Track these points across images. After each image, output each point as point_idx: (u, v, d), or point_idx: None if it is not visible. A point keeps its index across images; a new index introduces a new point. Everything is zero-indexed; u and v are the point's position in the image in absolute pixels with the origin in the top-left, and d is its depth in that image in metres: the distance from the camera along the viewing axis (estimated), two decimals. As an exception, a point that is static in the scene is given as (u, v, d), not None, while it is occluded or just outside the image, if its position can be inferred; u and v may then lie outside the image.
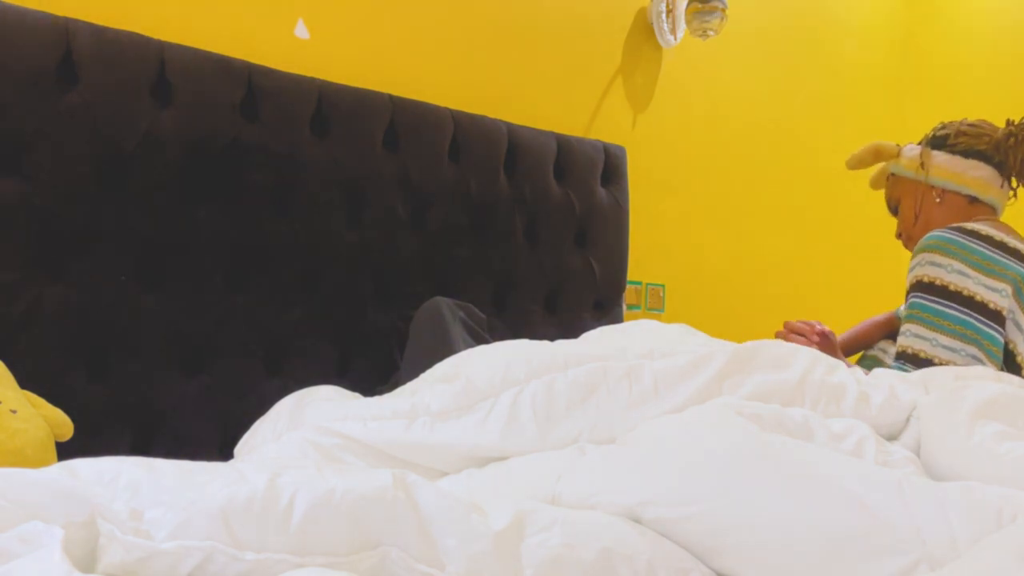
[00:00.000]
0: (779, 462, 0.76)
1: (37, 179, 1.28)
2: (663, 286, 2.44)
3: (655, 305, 2.42)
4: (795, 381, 1.04)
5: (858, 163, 1.81)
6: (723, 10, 2.27)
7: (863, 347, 1.86)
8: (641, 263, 2.28)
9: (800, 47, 2.89)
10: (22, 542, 0.52)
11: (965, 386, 1.06)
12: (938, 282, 1.46)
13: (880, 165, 1.81)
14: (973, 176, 1.62)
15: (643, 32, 2.37)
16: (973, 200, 1.63)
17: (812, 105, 2.93)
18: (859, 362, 1.77)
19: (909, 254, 1.71)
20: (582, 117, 2.24)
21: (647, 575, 0.67)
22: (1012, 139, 1.59)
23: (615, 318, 2.10)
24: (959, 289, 1.44)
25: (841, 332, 1.93)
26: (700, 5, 2.27)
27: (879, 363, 1.75)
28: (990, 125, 1.65)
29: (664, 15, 2.32)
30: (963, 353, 1.41)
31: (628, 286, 2.21)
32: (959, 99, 3.08)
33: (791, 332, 1.74)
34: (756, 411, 0.92)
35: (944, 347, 1.42)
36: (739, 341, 1.13)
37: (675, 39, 2.38)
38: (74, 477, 0.60)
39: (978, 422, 0.94)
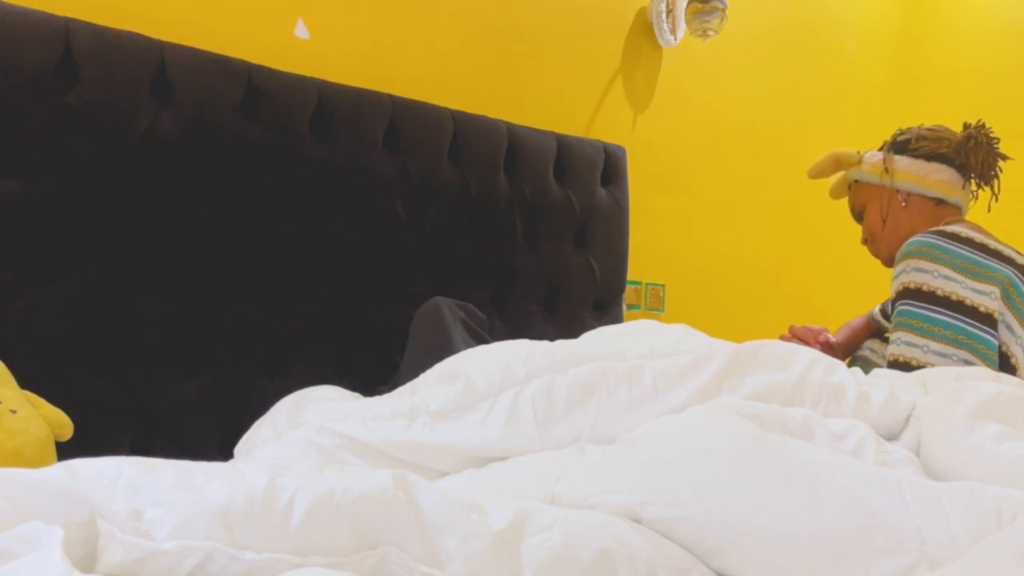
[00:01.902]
0: (779, 462, 0.76)
1: (37, 179, 1.28)
2: (663, 286, 2.44)
3: (655, 305, 2.42)
4: (795, 381, 1.04)
5: (818, 172, 1.82)
6: (723, 10, 2.27)
7: (850, 353, 1.86)
8: (641, 263, 2.28)
9: (800, 47, 2.89)
10: (22, 542, 0.52)
11: (964, 386, 1.06)
12: (925, 288, 1.44)
13: (839, 175, 1.82)
14: (937, 179, 1.63)
15: (643, 32, 2.37)
16: (939, 202, 1.64)
17: (812, 105, 2.93)
18: (849, 366, 1.77)
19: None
20: (582, 117, 2.24)
21: (647, 575, 0.67)
22: (972, 141, 1.60)
23: (615, 318, 2.10)
24: (947, 294, 1.43)
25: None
26: (700, 5, 2.27)
27: (869, 363, 1.75)
28: (948, 130, 1.66)
29: (664, 15, 2.32)
30: (955, 358, 1.39)
31: (628, 286, 2.21)
32: (959, 99, 3.09)
33: (795, 337, 1.74)
34: (756, 411, 0.92)
35: (936, 353, 1.40)
36: (739, 341, 1.13)
37: (675, 39, 2.38)
38: (74, 477, 0.60)
39: (977, 422, 0.94)
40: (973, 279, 1.43)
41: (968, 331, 1.41)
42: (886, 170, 1.68)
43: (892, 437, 1.04)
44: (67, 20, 1.32)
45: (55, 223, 1.30)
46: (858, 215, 1.80)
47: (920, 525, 0.66)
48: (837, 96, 3.03)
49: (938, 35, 3.24)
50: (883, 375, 1.21)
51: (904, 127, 1.73)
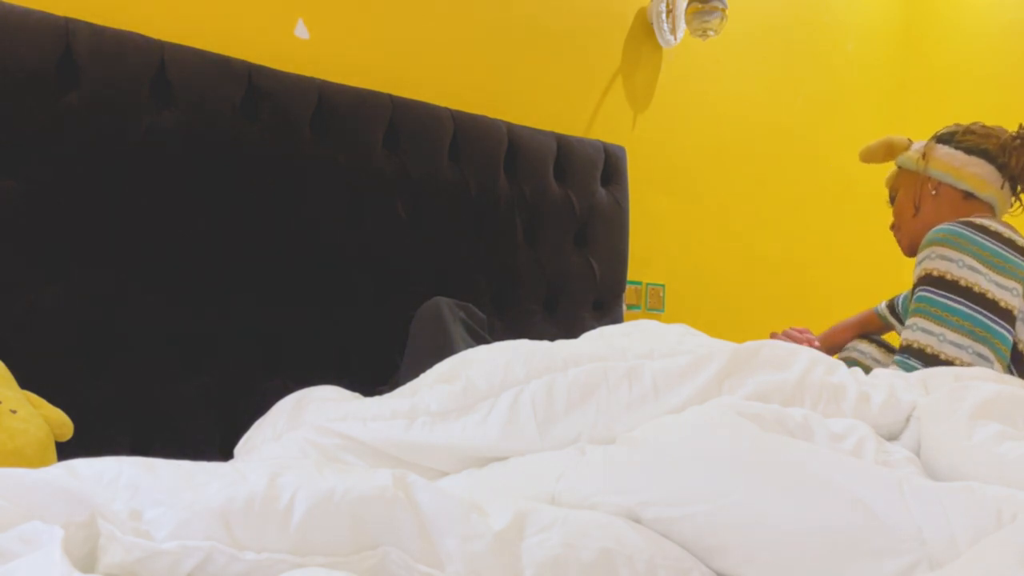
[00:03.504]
0: (779, 462, 0.76)
1: (37, 179, 1.28)
2: (663, 286, 2.44)
3: (655, 305, 2.42)
4: (795, 381, 1.04)
5: (870, 156, 1.79)
6: (723, 10, 2.27)
7: (836, 349, 1.86)
8: (641, 263, 2.28)
9: (800, 47, 2.89)
10: (22, 542, 0.52)
11: (965, 387, 1.06)
12: (948, 276, 1.43)
13: (895, 169, 1.81)
14: (971, 172, 1.60)
15: (643, 32, 2.37)
16: (968, 196, 1.61)
17: (812, 105, 2.93)
18: None
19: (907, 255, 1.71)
20: (582, 117, 2.24)
21: (647, 575, 0.67)
22: (1018, 141, 1.57)
23: (615, 318, 2.10)
24: (970, 285, 1.41)
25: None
26: (700, 5, 2.27)
27: (856, 364, 1.74)
28: (1002, 130, 1.62)
29: (664, 15, 2.32)
30: (970, 351, 1.38)
31: (628, 286, 2.21)
32: (959, 99, 3.09)
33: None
34: (756, 411, 0.92)
35: (951, 343, 1.39)
36: (739, 341, 1.13)
37: (675, 39, 2.38)
38: (74, 477, 0.60)
39: (978, 422, 0.94)
40: (997, 273, 1.42)
41: (987, 324, 1.39)
42: (923, 156, 1.66)
43: (892, 437, 1.04)
44: (67, 20, 1.32)
45: (55, 223, 1.30)
46: (892, 198, 1.78)
47: (920, 525, 0.66)
48: (837, 96, 3.03)
49: (938, 35, 3.24)
50: (883, 375, 1.21)
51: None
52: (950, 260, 1.44)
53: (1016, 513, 0.67)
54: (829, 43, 3.01)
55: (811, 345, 1.76)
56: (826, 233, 2.92)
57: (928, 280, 1.45)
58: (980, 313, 1.40)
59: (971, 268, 1.42)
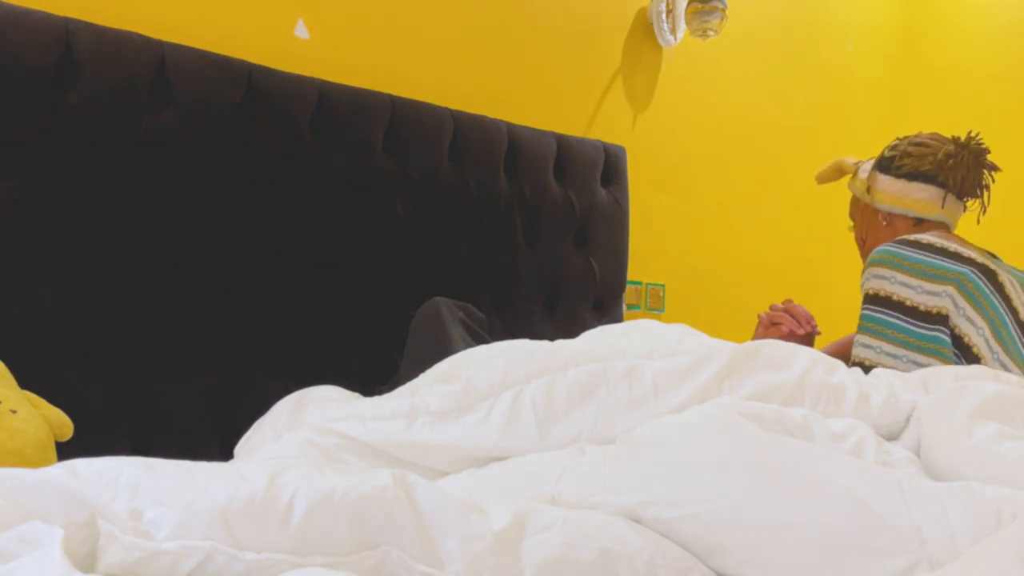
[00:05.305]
0: (779, 462, 0.76)
1: (37, 179, 1.28)
2: (663, 286, 2.44)
3: (655, 305, 2.42)
4: (795, 381, 1.04)
5: (824, 179, 1.89)
6: (723, 10, 2.27)
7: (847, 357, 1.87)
8: (641, 263, 2.28)
9: (800, 47, 2.89)
10: (22, 542, 0.52)
11: (964, 386, 1.06)
12: (882, 293, 1.51)
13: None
14: (916, 199, 1.65)
15: (643, 32, 2.37)
16: (919, 221, 1.66)
17: (812, 105, 2.93)
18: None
19: None
20: (582, 117, 2.24)
21: (647, 575, 0.67)
22: (951, 160, 1.61)
23: (615, 318, 2.10)
24: (902, 299, 1.49)
25: (839, 333, 1.94)
26: (700, 5, 2.27)
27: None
28: (937, 142, 1.65)
29: (664, 15, 2.32)
30: (905, 359, 1.46)
31: (628, 286, 2.21)
32: (959, 99, 3.09)
33: (772, 322, 1.75)
34: (756, 411, 0.92)
35: (887, 354, 1.47)
36: (739, 341, 1.13)
37: (675, 39, 2.38)
38: (74, 477, 0.60)
39: (978, 422, 0.94)
40: (928, 280, 1.48)
41: (919, 333, 1.46)
42: (868, 190, 1.72)
43: (892, 437, 1.04)
44: (67, 20, 1.32)
45: (55, 223, 1.30)
46: (851, 223, 1.85)
47: (920, 525, 0.66)
48: (837, 96, 3.03)
49: (938, 35, 3.24)
50: (883, 375, 1.22)
51: (902, 135, 1.73)
52: (883, 278, 1.52)
53: (1016, 513, 0.67)
54: (829, 43, 3.01)
55: (791, 332, 1.74)
56: (826, 233, 2.92)
57: (867, 299, 1.54)
58: (912, 324, 1.48)
59: (903, 284, 1.50)
